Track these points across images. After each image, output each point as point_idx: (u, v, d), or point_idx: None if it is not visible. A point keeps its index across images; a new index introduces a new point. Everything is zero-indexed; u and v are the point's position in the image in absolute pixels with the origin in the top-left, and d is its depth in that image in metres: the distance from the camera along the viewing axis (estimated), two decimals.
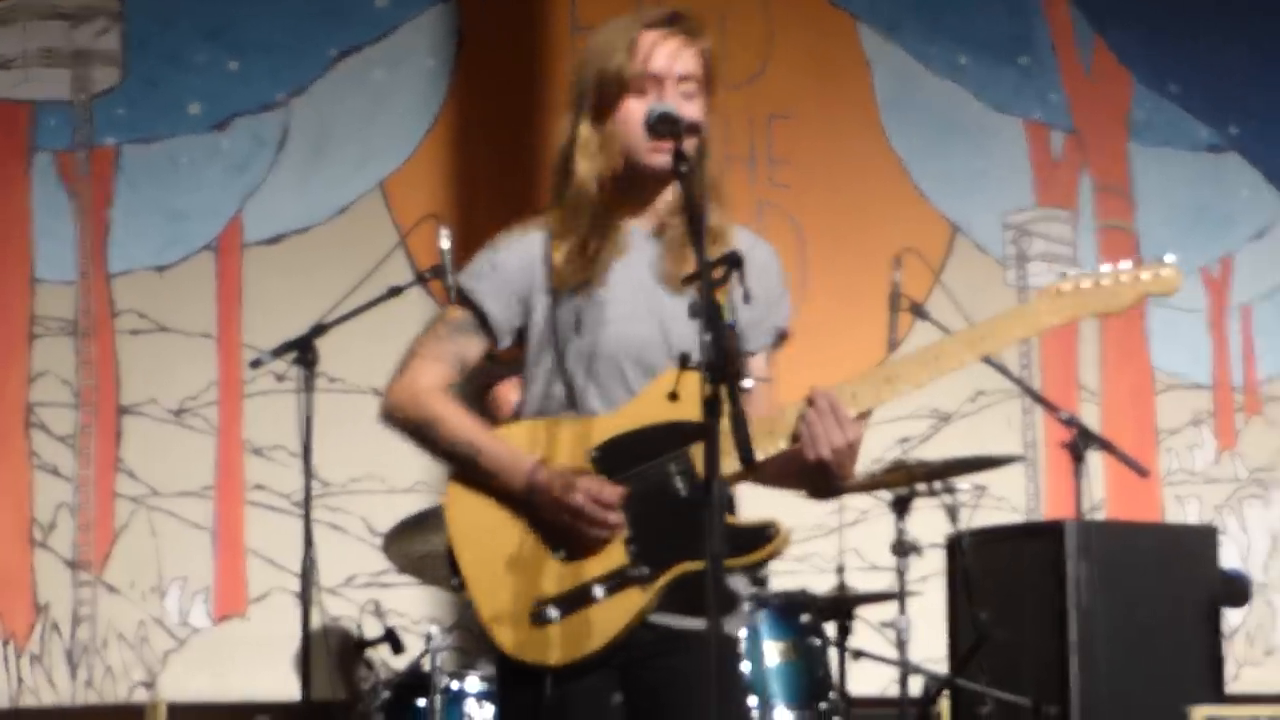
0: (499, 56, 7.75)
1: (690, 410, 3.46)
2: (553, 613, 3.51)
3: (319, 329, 5.86)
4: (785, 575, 7.10)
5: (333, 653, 6.33)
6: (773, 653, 5.79)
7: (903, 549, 6.18)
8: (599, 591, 3.51)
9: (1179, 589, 6.55)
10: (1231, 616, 8.25)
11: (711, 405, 3.22)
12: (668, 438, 3.55)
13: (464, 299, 3.69)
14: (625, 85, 3.59)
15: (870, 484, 6.38)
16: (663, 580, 3.51)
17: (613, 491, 3.51)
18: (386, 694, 5.85)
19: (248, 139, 7.46)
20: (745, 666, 5.71)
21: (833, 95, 8.26)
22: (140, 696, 7.12)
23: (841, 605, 6.32)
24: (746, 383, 3.41)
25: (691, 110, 3.59)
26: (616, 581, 3.52)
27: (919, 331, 6.63)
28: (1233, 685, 7.73)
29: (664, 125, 3.45)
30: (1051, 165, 8.55)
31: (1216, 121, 8.80)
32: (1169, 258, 3.65)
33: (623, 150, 3.61)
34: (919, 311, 6.31)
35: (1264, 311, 8.77)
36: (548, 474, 3.53)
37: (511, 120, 7.68)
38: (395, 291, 6.04)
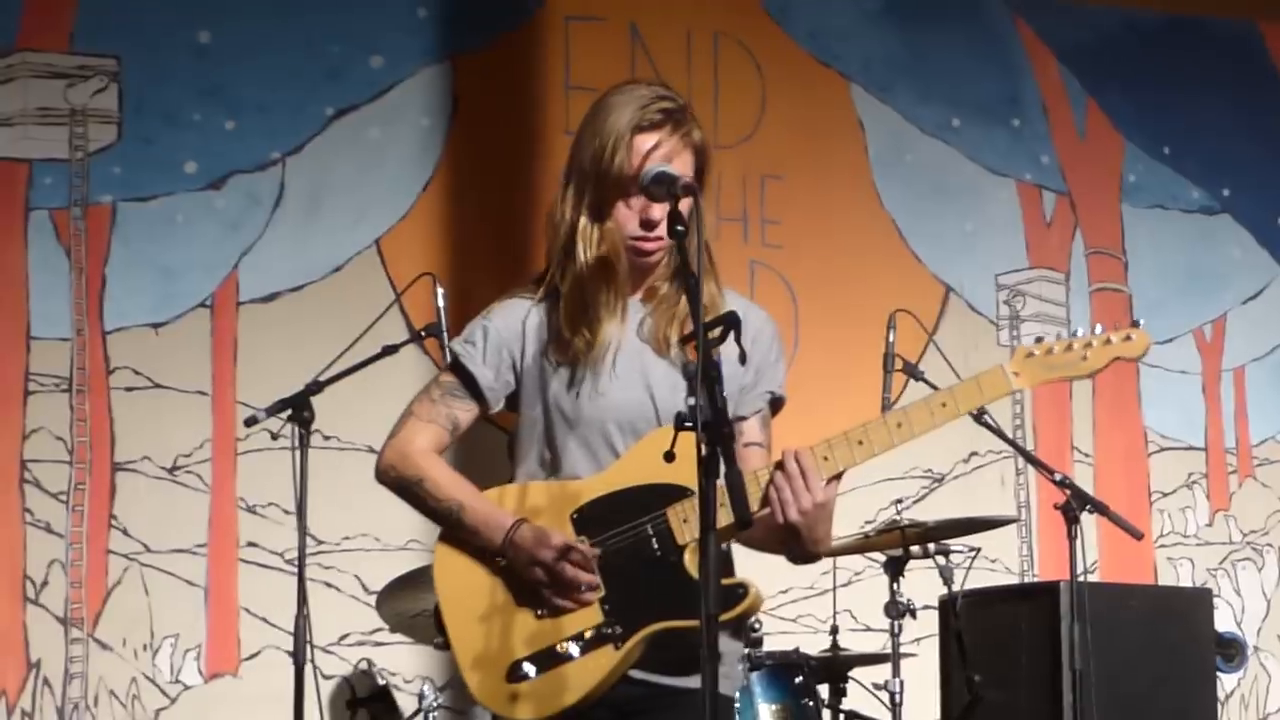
0: (493, 116, 7.77)
1: (680, 471, 3.53)
2: (529, 669, 3.60)
3: (314, 387, 5.85)
4: (779, 636, 7.10)
5: (326, 712, 6.30)
6: (766, 714, 5.78)
7: (896, 610, 6.17)
8: (574, 649, 3.59)
9: (1174, 652, 6.54)
10: (1226, 680, 8.24)
11: (708, 465, 3.24)
12: (648, 499, 3.62)
13: (456, 363, 3.80)
14: (619, 188, 3.68)
15: (864, 545, 6.39)
16: (635, 639, 3.59)
17: (583, 551, 3.58)
18: None
19: (243, 197, 7.47)
20: None
21: (825, 156, 8.28)
22: None
23: (835, 666, 6.31)
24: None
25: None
26: (590, 640, 3.59)
27: (913, 392, 6.62)
28: None
29: (659, 186, 3.48)
30: (1044, 227, 8.57)
31: (1209, 183, 8.83)
32: (1141, 322, 3.73)
33: (618, 244, 3.71)
34: (912, 372, 6.31)
35: (1257, 373, 8.78)
36: (525, 531, 3.61)
37: (506, 179, 7.70)
38: (390, 350, 6.04)
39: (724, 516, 3.46)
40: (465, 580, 3.68)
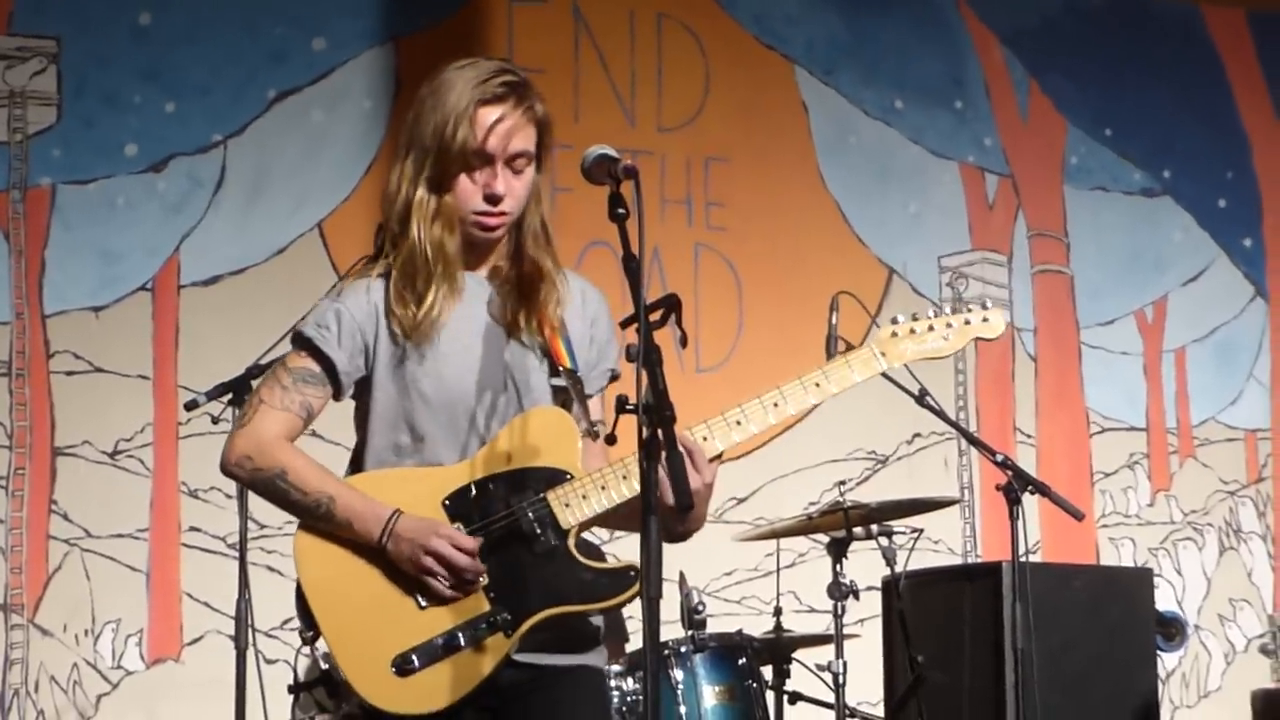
0: None
1: (555, 454, 3.57)
2: (415, 662, 3.53)
3: (255, 370, 5.84)
4: (723, 618, 7.12)
5: (268, 696, 6.29)
6: (710, 695, 5.78)
7: (840, 591, 6.17)
8: (461, 639, 3.54)
9: (1115, 631, 6.57)
10: (1167, 659, 8.29)
11: (649, 447, 3.24)
12: (524, 484, 3.59)
13: (311, 347, 3.69)
14: (462, 162, 3.65)
15: (807, 527, 6.39)
16: (526, 625, 3.55)
17: (470, 541, 3.53)
18: None
19: (184, 180, 7.44)
20: (682, 709, 5.71)
21: (769, 138, 8.29)
22: None
23: (779, 648, 6.32)
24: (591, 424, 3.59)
25: (519, 184, 3.67)
26: (479, 629, 3.54)
27: None
28: None
29: (599, 168, 3.45)
30: (986, 209, 8.60)
31: (1150, 166, 8.87)
32: (990, 303, 3.84)
33: (457, 220, 3.67)
34: None
35: (1198, 354, 8.83)
36: (406, 522, 3.55)
37: None
38: None
39: (594, 504, 3.55)
40: (336, 572, 3.61)
